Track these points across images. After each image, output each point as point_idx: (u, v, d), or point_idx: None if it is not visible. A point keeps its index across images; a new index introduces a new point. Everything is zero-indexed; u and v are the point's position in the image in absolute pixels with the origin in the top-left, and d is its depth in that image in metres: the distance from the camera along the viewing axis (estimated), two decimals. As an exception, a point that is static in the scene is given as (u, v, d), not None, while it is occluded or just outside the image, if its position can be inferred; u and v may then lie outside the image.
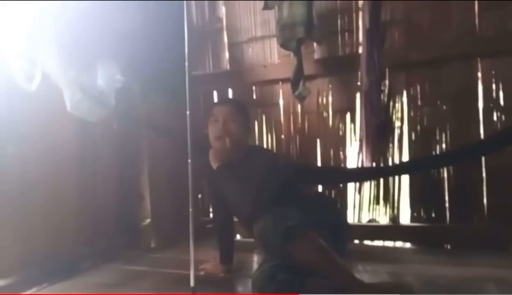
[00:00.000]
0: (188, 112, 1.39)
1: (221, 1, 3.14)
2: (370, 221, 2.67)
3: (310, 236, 1.46)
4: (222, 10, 3.13)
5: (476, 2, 2.44)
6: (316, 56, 2.81)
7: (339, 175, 2.62)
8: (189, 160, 1.24)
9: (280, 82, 2.88)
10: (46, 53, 1.85)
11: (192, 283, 1.10)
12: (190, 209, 1.23)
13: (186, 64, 1.57)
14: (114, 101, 2.10)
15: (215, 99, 3.05)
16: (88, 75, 2.01)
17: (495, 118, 2.40)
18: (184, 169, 2.78)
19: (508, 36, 2.37)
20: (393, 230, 2.60)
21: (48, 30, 1.85)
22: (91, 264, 2.33)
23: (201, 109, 3.04)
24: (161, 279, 2.08)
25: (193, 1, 3.13)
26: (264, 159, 1.78)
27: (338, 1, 2.78)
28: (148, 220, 2.94)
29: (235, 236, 2.16)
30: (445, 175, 2.48)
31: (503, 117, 2.38)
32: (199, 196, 3.07)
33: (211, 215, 2.88)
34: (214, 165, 1.75)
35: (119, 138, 2.71)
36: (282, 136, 2.89)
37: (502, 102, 2.40)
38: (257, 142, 2.90)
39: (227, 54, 3.13)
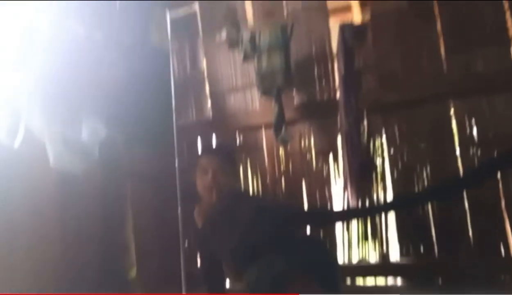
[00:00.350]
0: (176, 162, 1.39)
1: (202, 52, 3.27)
2: (360, 261, 2.65)
3: (299, 283, 1.44)
4: (203, 62, 3.25)
5: (442, 46, 2.62)
6: (296, 102, 2.91)
7: (326, 216, 2.62)
8: (179, 210, 1.22)
9: (263, 128, 2.95)
10: (29, 108, 1.87)
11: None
12: (182, 259, 1.20)
13: (174, 115, 1.59)
14: (97, 152, 2.10)
15: (200, 147, 3.08)
16: (72, 128, 2.03)
17: (471, 153, 2.49)
18: (169, 218, 2.77)
19: (474, 76, 2.53)
20: (384, 267, 2.59)
21: (31, 85, 1.88)
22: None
23: (186, 158, 3.06)
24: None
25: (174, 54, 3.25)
26: (251, 206, 1.78)
27: (314, 49, 2.93)
28: (133, 270, 2.85)
29: (225, 285, 2.10)
30: (430, 209, 2.52)
31: (478, 152, 2.48)
32: (186, 244, 3.01)
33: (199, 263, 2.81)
34: (200, 222, 1.74)
35: (103, 188, 2.68)
36: (268, 180, 2.91)
37: (476, 138, 2.50)
38: (243, 186, 2.91)
39: (209, 103, 3.21)
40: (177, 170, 1.33)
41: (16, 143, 1.86)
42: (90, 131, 2.10)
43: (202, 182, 1.73)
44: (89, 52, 2.24)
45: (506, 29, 2.51)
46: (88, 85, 2.16)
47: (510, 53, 2.50)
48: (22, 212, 2.06)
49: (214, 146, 1.99)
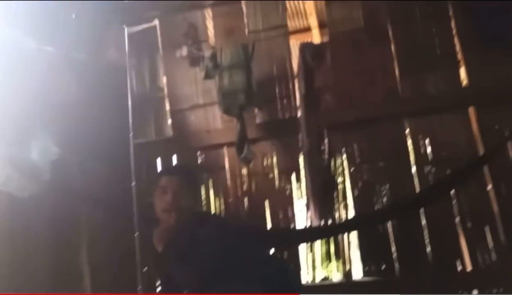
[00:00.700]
0: (133, 183, 1.31)
1: (161, 69, 3.20)
2: (324, 279, 2.64)
3: None
4: (163, 79, 3.18)
5: (397, 69, 2.74)
6: (258, 120, 2.91)
7: (290, 237, 2.60)
8: (136, 234, 1.14)
9: (225, 147, 2.91)
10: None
11: None
12: (139, 285, 1.12)
13: (131, 135, 1.51)
14: (48, 174, 1.97)
15: (159, 167, 2.97)
16: (20, 148, 1.90)
17: (426, 171, 2.59)
18: (126, 242, 2.62)
19: (427, 98, 2.65)
20: (347, 286, 2.59)
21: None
22: None
23: (144, 178, 2.94)
24: None
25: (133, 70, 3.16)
26: (212, 227, 1.72)
27: (275, 69, 2.96)
28: (87, 297, 2.66)
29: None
30: (390, 228, 2.57)
31: (433, 170, 2.58)
32: (144, 269, 2.86)
33: (158, 289, 2.67)
34: (160, 247, 1.65)
35: (55, 212, 2.49)
36: (230, 199, 2.86)
37: (430, 156, 2.61)
38: (204, 207, 2.83)
39: (169, 121, 3.12)
40: (134, 191, 1.24)
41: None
42: (40, 151, 1.97)
43: (161, 203, 1.63)
44: (39, 66, 2.12)
45: (455, 53, 2.67)
46: (38, 102, 2.04)
47: (459, 75, 2.66)
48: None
49: (174, 165, 1.90)
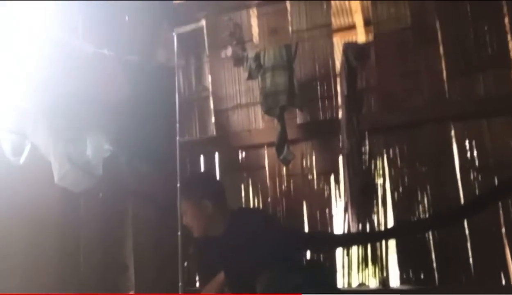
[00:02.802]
0: (178, 181, 1.39)
1: (207, 69, 3.30)
2: (360, 285, 2.63)
3: None
4: (208, 79, 3.28)
5: (444, 69, 2.64)
6: (299, 121, 2.93)
7: (327, 240, 2.61)
8: (179, 233, 1.21)
9: (265, 146, 2.97)
10: (34, 126, 1.89)
11: None
12: (180, 277, 1.21)
13: (178, 134, 1.59)
14: (101, 170, 2.12)
15: (202, 166, 3.08)
16: (77, 146, 2.05)
17: (471, 177, 2.49)
18: (169, 238, 2.76)
19: (475, 100, 2.54)
20: (383, 293, 2.56)
21: (37, 103, 1.91)
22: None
23: (188, 176, 3.08)
24: None
25: (180, 70, 3.29)
26: (255, 218, 1.79)
27: (317, 69, 2.96)
28: (132, 292, 2.84)
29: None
30: (431, 236, 2.51)
31: (479, 177, 2.48)
32: (185, 264, 3.01)
33: (197, 284, 2.81)
34: (202, 239, 1.74)
35: (103, 207, 2.68)
36: (269, 199, 2.91)
37: (477, 162, 2.50)
38: (244, 205, 2.91)
39: (213, 120, 3.23)
40: (178, 189, 1.32)
41: (21, 160, 1.89)
42: (94, 149, 2.12)
43: (194, 228, 1.73)
44: (95, 69, 2.26)
45: (507, 52, 2.53)
46: (93, 103, 2.18)
47: (510, 77, 2.51)
48: (22, 228, 2.08)
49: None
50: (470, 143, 2.53)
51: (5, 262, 1.99)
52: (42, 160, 1.92)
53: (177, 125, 1.66)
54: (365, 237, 2.58)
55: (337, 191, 2.78)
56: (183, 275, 1.23)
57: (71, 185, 1.99)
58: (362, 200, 2.61)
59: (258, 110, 2.99)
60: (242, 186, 2.95)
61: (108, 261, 2.67)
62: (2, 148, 1.86)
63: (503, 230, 2.37)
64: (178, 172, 1.41)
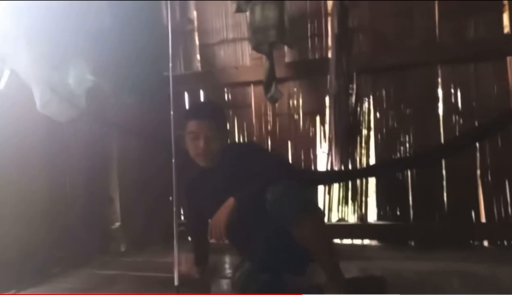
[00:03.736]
0: (172, 113, 1.34)
1: (192, 1, 3.13)
2: (339, 220, 2.76)
3: (319, 214, 1.52)
4: (193, 12, 3.13)
5: (437, 12, 2.60)
6: (287, 59, 2.87)
7: (309, 177, 2.68)
8: (173, 160, 1.19)
9: (252, 84, 2.93)
10: (14, 51, 1.78)
11: (176, 282, 1.11)
12: (174, 209, 1.23)
13: (170, 64, 1.53)
14: (84, 101, 2.05)
15: (187, 102, 3.02)
16: (58, 74, 1.96)
17: (453, 121, 2.56)
18: (154, 171, 2.77)
19: (465, 44, 2.54)
20: (361, 228, 2.71)
21: (17, 28, 1.78)
22: (62, 269, 2.26)
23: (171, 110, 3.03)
24: (134, 282, 2.05)
25: (164, 1, 3.10)
26: (249, 147, 1.84)
27: (308, 6, 2.86)
28: (117, 224, 2.89)
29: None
30: (409, 174, 2.62)
31: (461, 121, 2.55)
32: (170, 198, 3.04)
33: (182, 217, 2.86)
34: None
35: (89, 139, 2.64)
36: (254, 138, 2.92)
37: (460, 107, 2.56)
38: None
39: (198, 56, 3.12)
40: (172, 122, 1.28)
41: (1, 85, 1.80)
42: (77, 79, 2.03)
43: (194, 148, 1.67)
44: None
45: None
46: (74, 31, 2.06)
47: (502, 21, 2.51)
48: (9, 153, 2.03)
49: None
50: (455, 87, 2.57)
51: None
52: (24, 87, 1.83)
53: (170, 56, 1.55)
54: (346, 175, 2.65)
55: (322, 132, 2.81)
56: (176, 208, 1.20)
57: (54, 114, 1.93)
58: (346, 140, 2.66)
59: (246, 46, 2.90)
60: (227, 125, 2.93)
61: (94, 193, 2.67)
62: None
63: (478, 172, 2.49)
64: (171, 107, 1.32)
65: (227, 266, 2.26)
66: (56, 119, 1.97)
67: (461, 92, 2.56)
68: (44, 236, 2.24)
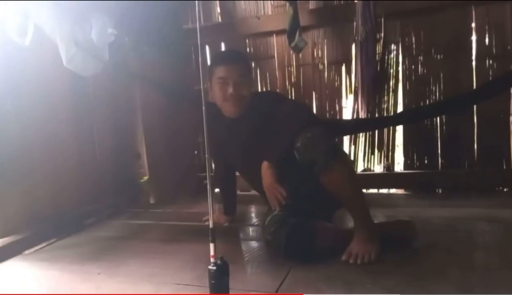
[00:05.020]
0: (201, 71, 1.32)
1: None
2: (364, 170, 2.75)
3: (347, 160, 1.56)
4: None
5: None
6: (311, 6, 2.75)
7: (335, 127, 2.64)
8: (204, 112, 1.18)
9: (274, 34, 2.84)
10: (38, 7, 1.77)
11: (211, 225, 1.16)
12: (207, 155, 1.24)
13: (198, 20, 1.49)
14: (107, 55, 2.05)
15: (208, 54, 2.98)
16: (81, 28, 1.95)
17: (487, 65, 2.44)
18: (178, 125, 2.79)
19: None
20: (387, 177, 2.69)
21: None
22: (95, 220, 2.37)
23: (193, 63, 3.01)
24: (166, 231, 2.13)
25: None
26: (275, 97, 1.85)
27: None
28: (145, 178, 2.98)
29: (236, 188, 2.20)
30: (438, 122, 2.55)
31: (495, 65, 2.43)
32: (195, 152, 3.10)
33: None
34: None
35: (112, 93, 2.67)
36: (277, 90, 2.88)
37: (494, 50, 2.43)
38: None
39: (218, 7, 3.04)
40: (201, 77, 1.26)
41: (27, 41, 1.81)
42: (99, 32, 2.01)
43: (222, 93, 1.65)
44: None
45: None
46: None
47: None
48: (37, 109, 2.08)
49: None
50: (489, 29, 2.43)
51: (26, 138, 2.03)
52: (49, 42, 1.84)
53: (197, 9, 1.48)
54: (373, 123, 2.61)
55: (348, 82, 2.74)
56: (207, 160, 1.20)
57: (79, 68, 1.94)
58: (373, 90, 2.59)
59: (267, -7, 2.79)
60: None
61: (121, 148, 2.74)
62: (7, 29, 1.77)
63: (511, 118, 2.41)
64: (200, 63, 1.28)
65: (253, 215, 2.32)
66: (81, 73, 1.99)
67: (495, 34, 2.42)
68: (74, 190, 2.33)
